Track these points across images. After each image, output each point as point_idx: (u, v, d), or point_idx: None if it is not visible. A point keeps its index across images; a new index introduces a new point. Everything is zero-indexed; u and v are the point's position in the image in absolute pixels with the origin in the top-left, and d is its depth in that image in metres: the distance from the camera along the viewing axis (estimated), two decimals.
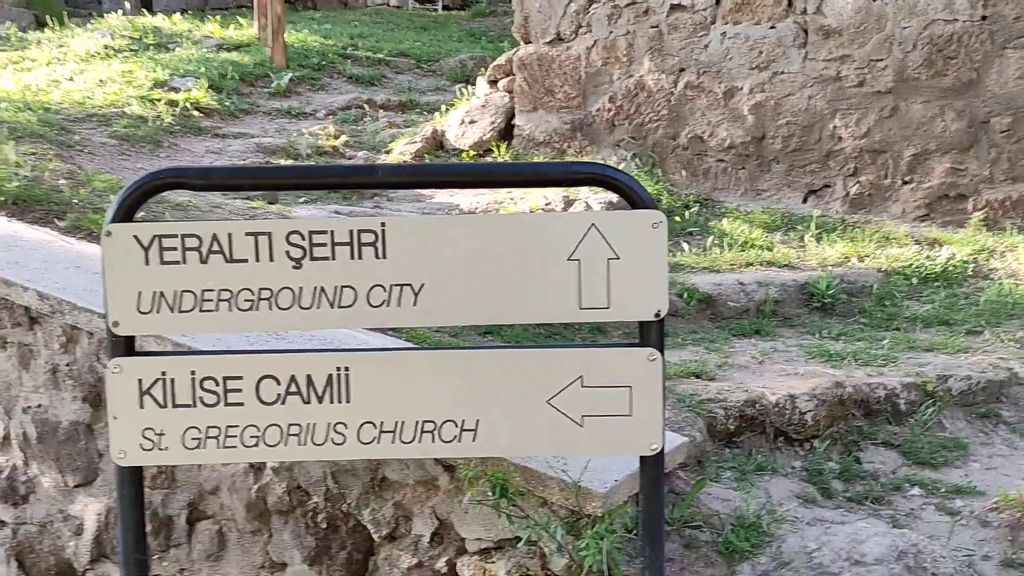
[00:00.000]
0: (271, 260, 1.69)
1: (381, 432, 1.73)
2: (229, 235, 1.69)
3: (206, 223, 1.75)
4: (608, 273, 1.68)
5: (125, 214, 1.70)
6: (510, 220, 1.73)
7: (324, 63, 8.41)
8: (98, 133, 5.74)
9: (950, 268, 4.30)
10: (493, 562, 2.20)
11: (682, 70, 5.61)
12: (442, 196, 5.46)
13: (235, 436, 1.73)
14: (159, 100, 6.57)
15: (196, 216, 4.18)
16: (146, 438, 1.73)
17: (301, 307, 1.70)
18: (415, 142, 6.38)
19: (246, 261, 1.69)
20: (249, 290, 1.69)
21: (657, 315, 1.67)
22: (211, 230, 1.70)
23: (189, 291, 1.70)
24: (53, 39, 8.78)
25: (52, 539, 3.14)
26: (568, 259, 1.69)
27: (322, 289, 1.69)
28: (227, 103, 7.00)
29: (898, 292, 4.15)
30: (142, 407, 1.72)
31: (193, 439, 1.73)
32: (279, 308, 1.70)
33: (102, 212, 4.00)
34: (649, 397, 1.69)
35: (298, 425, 1.72)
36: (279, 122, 7.04)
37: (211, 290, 1.69)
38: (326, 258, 1.69)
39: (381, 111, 7.40)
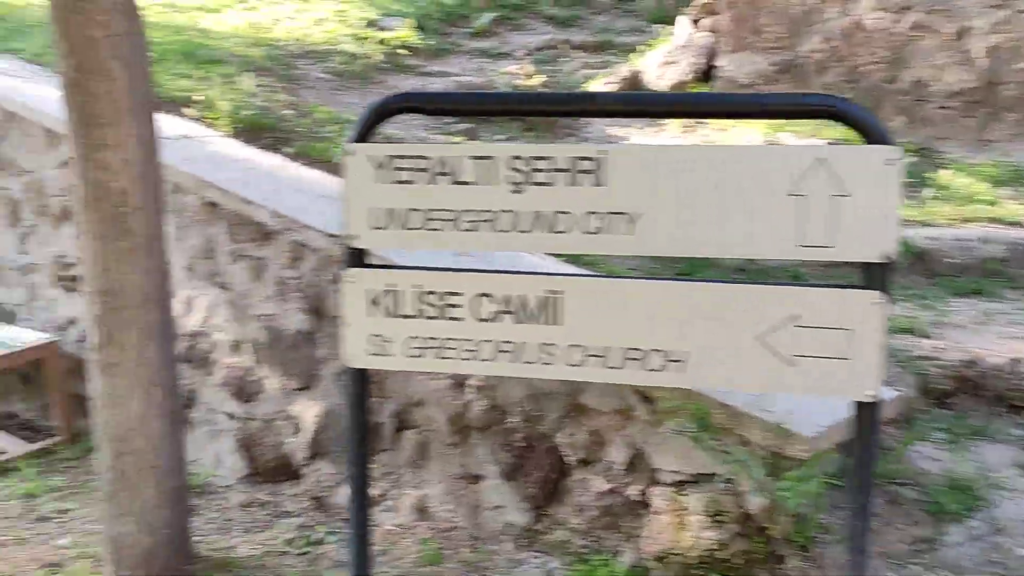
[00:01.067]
0: (493, 184, 1.75)
1: (588, 356, 1.77)
2: (456, 158, 1.77)
3: (435, 145, 1.84)
4: (835, 211, 1.61)
5: (363, 134, 1.82)
6: (731, 152, 1.68)
7: (523, 3, 8.45)
8: (315, 68, 6.12)
9: None
10: (686, 495, 2.22)
11: (907, 8, 5.16)
12: (639, 138, 5.39)
13: (453, 348, 1.83)
14: (369, 39, 6.89)
15: None
16: (372, 344, 1.87)
17: (520, 231, 1.76)
18: (612, 82, 6.31)
19: (470, 184, 1.77)
20: (472, 211, 1.77)
21: (887, 258, 1.59)
22: (439, 152, 1.79)
23: (416, 209, 1.80)
24: None
25: (274, 435, 3.49)
26: (789, 194, 1.64)
27: (540, 214, 1.74)
28: (430, 42, 7.23)
29: None
30: (370, 315, 1.86)
31: (415, 348, 1.85)
32: (499, 230, 1.77)
33: (324, 141, 4.29)
34: (870, 342, 1.62)
35: (510, 343, 1.80)
36: (478, 61, 7.18)
37: (437, 210, 1.78)
38: (545, 183, 1.73)
39: (577, 51, 7.37)
